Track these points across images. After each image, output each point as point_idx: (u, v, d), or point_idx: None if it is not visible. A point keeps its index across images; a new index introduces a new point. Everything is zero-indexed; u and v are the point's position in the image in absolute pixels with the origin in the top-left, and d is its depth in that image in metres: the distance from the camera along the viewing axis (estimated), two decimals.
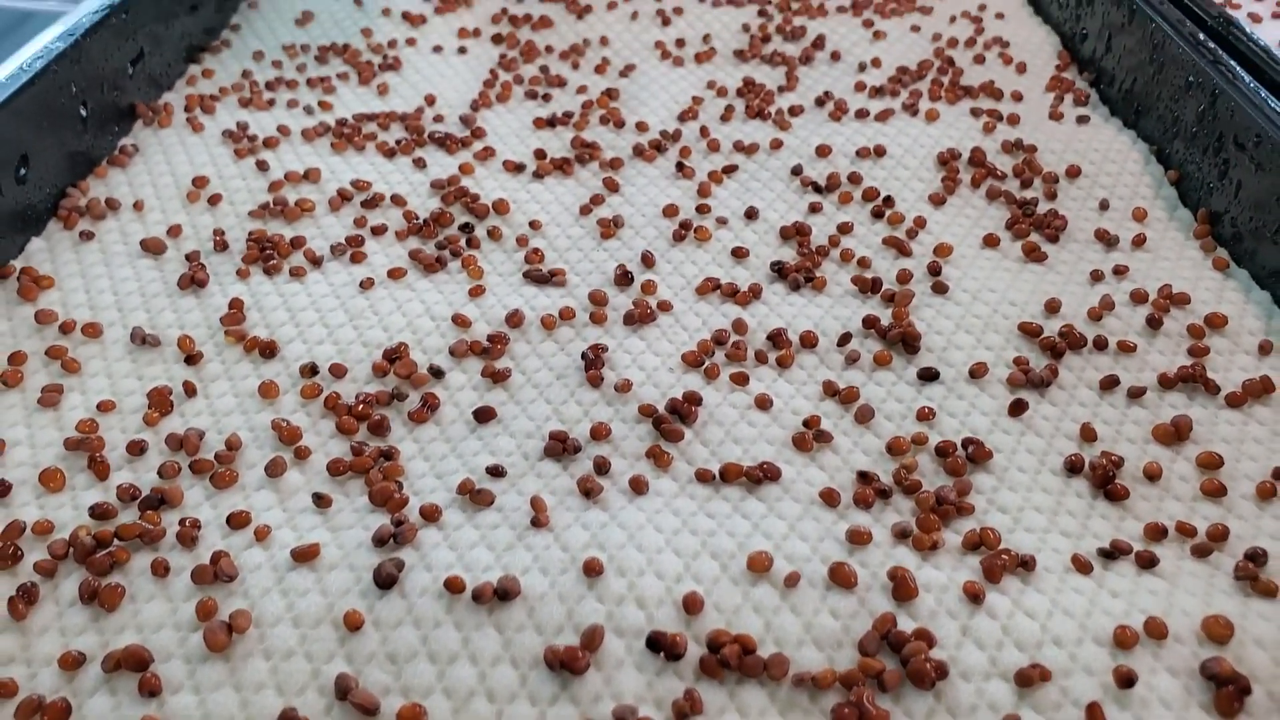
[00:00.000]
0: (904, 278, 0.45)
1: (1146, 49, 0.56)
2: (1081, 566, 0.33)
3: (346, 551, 0.32)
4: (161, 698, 0.29)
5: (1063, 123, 0.57)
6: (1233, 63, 0.51)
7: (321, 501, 0.34)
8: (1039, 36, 0.66)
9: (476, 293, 0.44)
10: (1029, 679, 0.29)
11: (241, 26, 0.64)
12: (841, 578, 0.32)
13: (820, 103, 0.58)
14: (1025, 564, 0.33)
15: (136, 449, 0.36)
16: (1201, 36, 0.54)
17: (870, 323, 0.42)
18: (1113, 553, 0.33)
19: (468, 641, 0.30)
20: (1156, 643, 0.30)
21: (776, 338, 0.41)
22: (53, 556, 0.32)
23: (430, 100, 0.57)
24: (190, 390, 0.38)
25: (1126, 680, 0.29)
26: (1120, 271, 0.46)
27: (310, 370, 0.39)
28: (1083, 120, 0.57)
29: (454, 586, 0.31)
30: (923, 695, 0.29)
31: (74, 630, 0.30)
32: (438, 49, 0.62)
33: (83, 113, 0.50)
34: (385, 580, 0.31)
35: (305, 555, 0.32)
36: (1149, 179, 0.52)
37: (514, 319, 0.42)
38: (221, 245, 0.46)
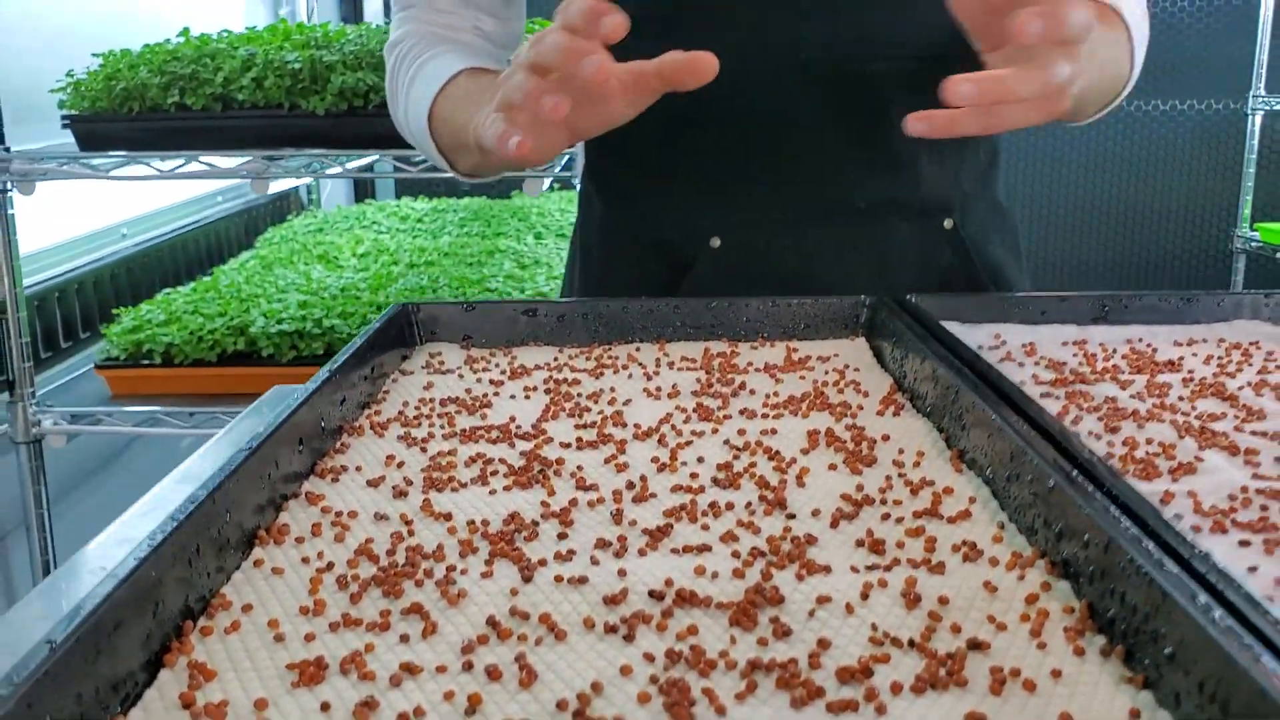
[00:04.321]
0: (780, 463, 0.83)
1: (932, 374, 0.98)
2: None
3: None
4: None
5: (884, 418, 0.97)
6: (970, 372, 0.93)
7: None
8: (879, 378, 1.08)
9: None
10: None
11: (388, 396, 1.06)
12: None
13: (740, 411, 0.99)
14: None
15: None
16: (955, 361, 0.96)
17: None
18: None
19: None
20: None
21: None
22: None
23: (512, 418, 0.97)
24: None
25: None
26: (901, 467, 0.84)
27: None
28: (896, 414, 0.97)
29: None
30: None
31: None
32: (514, 397, 1.04)
33: (300, 448, 0.90)
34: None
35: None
36: (931, 438, 0.92)
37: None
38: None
